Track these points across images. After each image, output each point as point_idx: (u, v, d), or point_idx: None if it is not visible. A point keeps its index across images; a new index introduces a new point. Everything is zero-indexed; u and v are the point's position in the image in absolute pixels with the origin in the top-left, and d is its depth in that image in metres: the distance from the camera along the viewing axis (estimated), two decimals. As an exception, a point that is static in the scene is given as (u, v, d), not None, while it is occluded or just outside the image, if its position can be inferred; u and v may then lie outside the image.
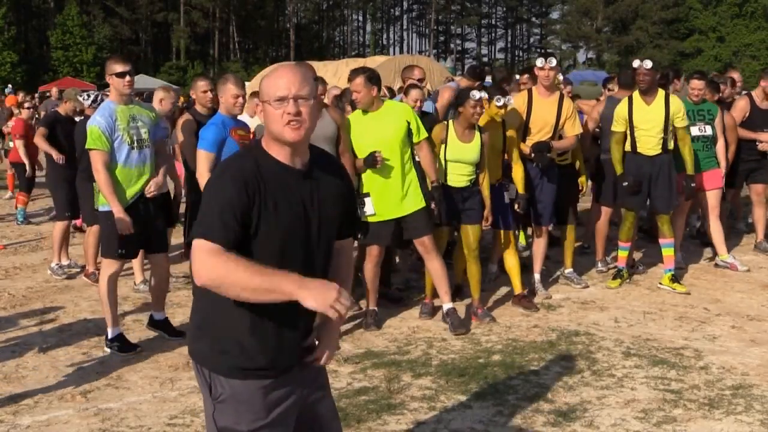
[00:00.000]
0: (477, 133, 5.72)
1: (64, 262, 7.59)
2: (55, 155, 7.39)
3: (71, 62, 51.12)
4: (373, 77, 5.39)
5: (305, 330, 2.46)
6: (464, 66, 69.11)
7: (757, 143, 7.75)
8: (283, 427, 2.40)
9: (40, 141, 7.55)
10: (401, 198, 5.45)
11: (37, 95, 25.76)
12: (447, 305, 5.56)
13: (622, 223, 6.74)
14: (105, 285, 5.15)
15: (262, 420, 2.35)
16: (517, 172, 6.02)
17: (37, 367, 4.94)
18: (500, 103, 5.76)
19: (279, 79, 2.28)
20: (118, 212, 4.98)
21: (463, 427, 3.98)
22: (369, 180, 5.45)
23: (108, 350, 5.17)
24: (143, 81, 31.16)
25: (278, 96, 2.26)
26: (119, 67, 5.04)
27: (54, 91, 18.86)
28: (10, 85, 25.84)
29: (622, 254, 6.77)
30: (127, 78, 5.05)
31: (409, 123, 5.46)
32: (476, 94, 5.62)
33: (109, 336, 5.19)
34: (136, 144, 5.12)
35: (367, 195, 5.46)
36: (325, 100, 5.98)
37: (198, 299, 2.46)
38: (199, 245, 2.19)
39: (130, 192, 5.13)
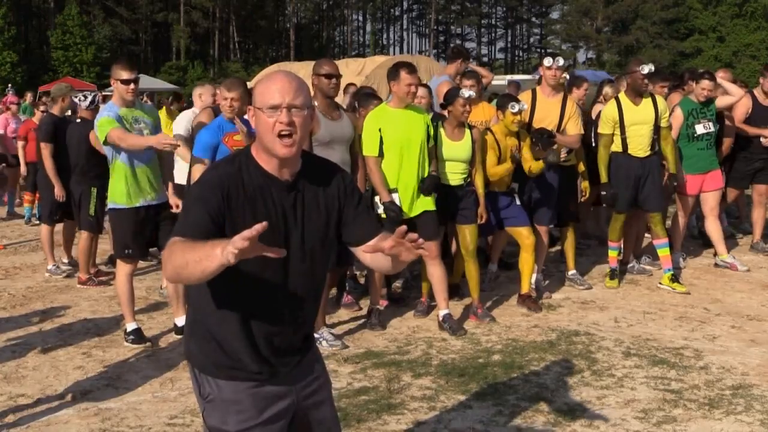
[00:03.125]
0: (467, 131, 5.74)
1: (65, 260, 7.59)
2: (58, 191, 7.14)
3: (71, 62, 51.08)
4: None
5: (301, 335, 2.44)
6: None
7: (761, 139, 7.74)
8: (276, 427, 2.37)
9: (48, 164, 7.15)
10: (426, 198, 5.44)
11: (35, 95, 25.67)
12: (444, 311, 5.56)
13: (611, 223, 6.74)
14: (121, 283, 5.33)
15: (253, 420, 2.32)
16: (531, 165, 6.01)
17: (37, 367, 4.94)
18: (515, 110, 5.75)
19: (273, 86, 2.21)
20: (146, 141, 4.96)
21: (463, 427, 3.98)
22: (402, 177, 5.38)
23: (127, 343, 5.33)
24: (143, 81, 31.10)
25: (271, 104, 2.19)
26: (124, 74, 5.11)
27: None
28: (9, 85, 25.80)
29: (612, 254, 6.78)
30: (131, 86, 5.14)
31: (428, 127, 5.48)
32: (465, 92, 5.66)
33: (127, 330, 5.36)
34: None
35: (395, 191, 5.38)
36: (340, 100, 5.93)
37: (190, 301, 2.46)
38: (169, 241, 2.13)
39: (134, 192, 5.21)
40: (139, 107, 5.37)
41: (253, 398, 2.33)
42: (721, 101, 7.24)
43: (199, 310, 2.37)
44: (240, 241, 1.82)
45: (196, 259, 1.95)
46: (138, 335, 5.33)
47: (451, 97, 5.72)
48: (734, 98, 7.29)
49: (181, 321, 5.46)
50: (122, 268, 5.33)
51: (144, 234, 5.29)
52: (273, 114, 2.20)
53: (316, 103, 5.13)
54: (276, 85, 2.21)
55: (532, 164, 5.96)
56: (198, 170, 4.98)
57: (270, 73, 2.33)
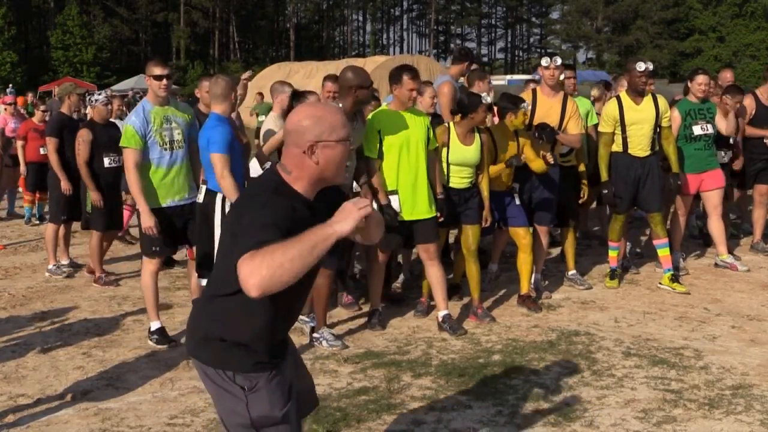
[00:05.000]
0: (477, 135, 5.74)
1: (64, 261, 7.59)
2: (64, 185, 7.23)
3: (71, 62, 51.15)
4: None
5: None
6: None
7: (765, 140, 7.74)
8: (295, 405, 2.58)
9: (53, 158, 7.27)
10: (425, 201, 5.43)
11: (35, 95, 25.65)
12: (443, 312, 5.55)
13: (611, 223, 6.74)
14: (146, 281, 5.38)
15: (288, 403, 2.51)
16: (535, 164, 5.99)
17: (37, 367, 4.94)
18: (525, 108, 5.80)
19: (341, 120, 2.39)
20: (144, 211, 5.16)
21: (463, 427, 3.99)
22: (400, 179, 5.38)
23: (151, 342, 5.35)
24: (143, 81, 31.14)
25: (345, 137, 2.38)
26: (157, 70, 5.25)
27: (56, 90, 18.82)
28: (11, 85, 25.78)
29: (612, 254, 6.78)
30: (164, 81, 5.25)
31: (428, 129, 5.49)
32: (487, 98, 5.71)
33: (151, 329, 5.39)
34: (167, 145, 5.26)
35: (395, 192, 5.36)
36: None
37: (203, 308, 2.53)
38: (244, 257, 2.13)
39: (162, 192, 5.25)
40: (174, 105, 5.44)
41: (280, 384, 2.51)
42: (719, 122, 7.20)
43: (221, 316, 2.45)
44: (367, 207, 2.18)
45: (308, 247, 2.12)
46: (162, 335, 5.33)
47: (475, 104, 5.68)
48: (725, 130, 7.24)
49: None
50: (147, 266, 5.35)
51: (171, 232, 5.29)
52: (345, 146, 2.40)
53: (341, 106, 5.15)
54: (343, 119, 2.40)
55: (536, 163, 5.94)
56: (223, 164, 4.93)
57: (320, 105, 2.46)
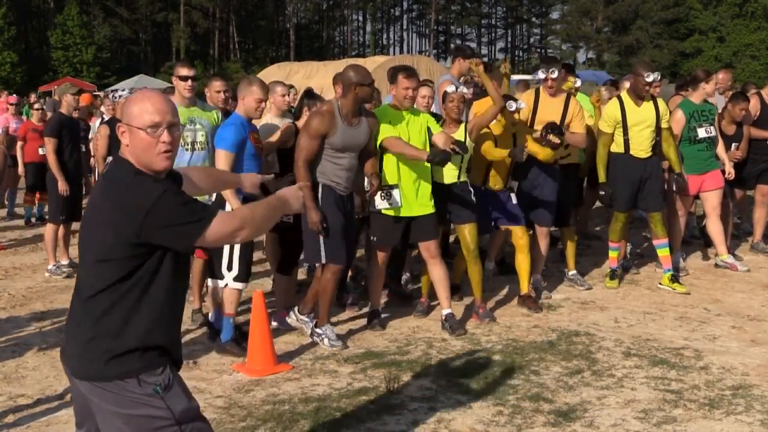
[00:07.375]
0: (462, 127, 5.74)
1: (64, 261, 7.58)
2: (61, 185, 7.25)
3: (71, 62, 51.10)
4: None
5: None
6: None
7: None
8: None
9: (52, 159, 7.27)
10: (426, 196, 5.45)
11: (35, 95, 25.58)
12: (446, 310, 5.56)
13: (612, 224, 6.74)
14: None
15: (189, 392, 2.51)
16: (540, 151, 5.94)
17: (37, 367, 4.94)
18: (512, 109, 5.75)
19: (150, 105, 2.36)
20: None
21: (463, 427, 3.98)
22: (402, 175, 5.38)
23: None
24: (143, 81, 31.16)
25: (153, 122, 2.35)
26: (184, 71, 5.39)
27: (55, 90, 18.78)
28: (15, 95, 25.70)
29: (613, 254, 6.78)
30: (189, 82, 5.36)
31: (429, 127, 5.48)
32: (451, 87, 5.68)
33: None
34: (189, 146, 5.30)
35: (395, 187, 5.33)
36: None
37: (94, 321, 2.38)
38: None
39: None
40: (200, 107, 5.48)
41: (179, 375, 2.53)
42: (726, 128, 7.28)
43: (122, 324, 2.36)
44: None
45: (272, 213, 2.58)
46: None
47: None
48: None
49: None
50: None
51: None
52: (154, 133, 2.36)
53: (339, 103, 5.14)
54: (153, 103, 2.39)
55: (542, 153, 5.92)
56: (225, 162, 4.92)
57: (147, 92, 2.47)
